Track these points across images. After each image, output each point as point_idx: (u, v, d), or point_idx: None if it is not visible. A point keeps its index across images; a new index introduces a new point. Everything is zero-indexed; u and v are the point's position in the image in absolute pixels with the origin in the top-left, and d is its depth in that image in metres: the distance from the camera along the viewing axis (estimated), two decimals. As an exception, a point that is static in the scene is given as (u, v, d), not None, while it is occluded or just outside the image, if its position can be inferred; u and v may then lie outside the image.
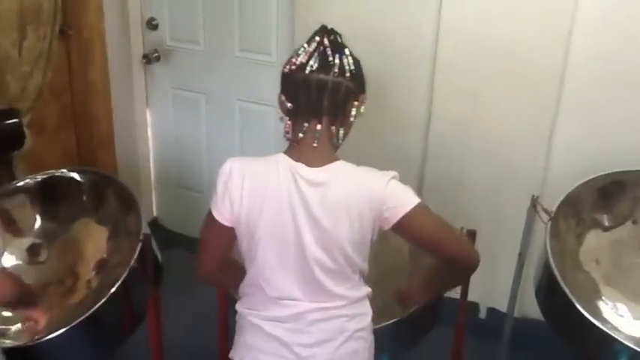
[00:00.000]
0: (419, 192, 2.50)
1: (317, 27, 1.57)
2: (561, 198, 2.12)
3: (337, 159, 1.60)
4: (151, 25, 3.04)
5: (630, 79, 2.35)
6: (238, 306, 1.71)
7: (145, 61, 3.07)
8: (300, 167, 1.56)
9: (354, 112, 1.58)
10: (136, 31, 3.06)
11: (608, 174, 2.21)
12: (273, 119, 2.77)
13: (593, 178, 2.19)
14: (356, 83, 1.56)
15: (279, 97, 1.59)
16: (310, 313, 1.61)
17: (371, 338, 1.69)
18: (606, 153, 2.41)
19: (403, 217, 1.55)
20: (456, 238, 1.72)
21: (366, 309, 1.69)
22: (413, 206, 1.56)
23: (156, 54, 3.07)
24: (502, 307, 2.55)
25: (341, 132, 1.58)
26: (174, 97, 3.17)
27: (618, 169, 2.22)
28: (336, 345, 1.61)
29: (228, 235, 1.62)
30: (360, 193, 1.55)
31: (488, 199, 2.64)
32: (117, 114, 3.00)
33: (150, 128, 3.28)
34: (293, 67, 1.54)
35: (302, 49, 1.55)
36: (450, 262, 1.67)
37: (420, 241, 1.67)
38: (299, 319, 1.61)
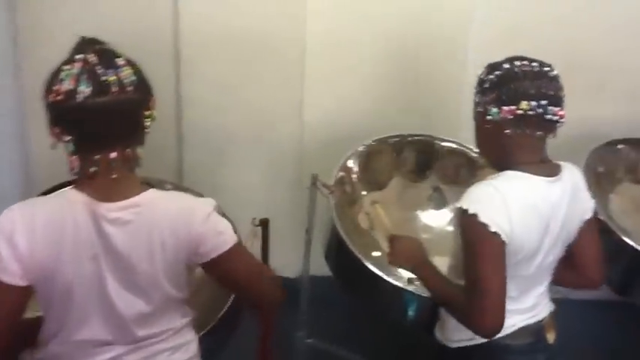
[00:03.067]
0: (180, 183, 2.63)
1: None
2: (336, 173, 2.30)
3: (145, 188, 1.43)
4: None
5: (362, 52, 2.59)
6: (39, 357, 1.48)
7: None
8: (101, 207, 1.36)
9: (147, 122, 1.40)
10: None
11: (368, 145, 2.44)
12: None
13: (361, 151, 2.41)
14: (141, 92, 1.37)
15: (51, 129, 1.35)
16: (127, 355, 1.47)
17: None
18: (354, 122, 2.66)
19: (219, 256, 1.44)
20: (266, 279, 1.62)
21: (190, 336, 1.59)
22: (230, 246, 1.46)
23: None
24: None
25: (139, 151, 1.40)
26: None
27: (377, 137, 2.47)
28: None
29: (22, 295, 1.39)
30: (175, 227, 1.40)
31: (259, 181, 2.76)
32: None
33: None
34: (59, 96, 1.30)
35: (63, 72, 1.31)
36: (257, 304, 1.65)
37: (232, 283, 1.58)
38: None
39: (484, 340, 1.66)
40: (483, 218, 1.54)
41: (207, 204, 1.46)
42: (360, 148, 2.41)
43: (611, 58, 2.72)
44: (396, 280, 2.08)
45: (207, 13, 2.47)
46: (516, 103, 1.58)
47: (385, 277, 2.04)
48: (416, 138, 2.53)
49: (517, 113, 1.58)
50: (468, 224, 1.57)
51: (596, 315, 2.80)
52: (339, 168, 2.34)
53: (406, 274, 2.30)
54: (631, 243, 2.21)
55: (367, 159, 2.45)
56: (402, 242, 1.90)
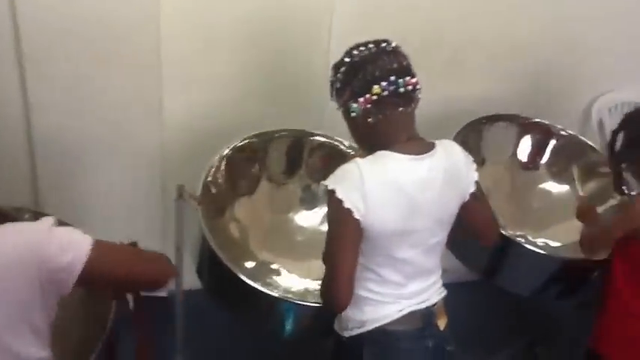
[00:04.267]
0: (35, 198, 2.40)
1: None
2: (202, 181, 2.16)
3: None
4: None
5: (222, 42, 2.43)
6: None
7: None
8: None
9: None
10: None
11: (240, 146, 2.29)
12: None
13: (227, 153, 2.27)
14: None
15: None
16: None
17: None
18: (219, 120, 2.51)
19: (84, 268, 1.28)
20: (148, 260, 1.51)
21: None
22: (89, 249, 1.29)
23: None
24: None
25: None
26: None
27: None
28: None
29: None
30: (16, 259, 1.24)
31: (119, 192, 2.58)
32: None
33: None
34: None
35: None
36: (153, 286, 1.52)
37: (115, 283, 1.47)
38: None
39: (372, 327, 1.70)
40: (340, 194, 1.57)
41: (43, 224, 1.30)
42: (225, 151, 2.28)
43: (469, 35, 2.73)
44: (272, 291, 2.02)
45: (46, 2, 2.20)
46: (368, 90, 1.60)
47: (261, 288, 1.97)
48: (284, 134, 2.43)
49: (373, 99, 1.60)
50: (328, 200, 1.62)
51: (463, 296, 2.85)
52: (205, 175, 2.20)
53: (283, 282, 2.26)
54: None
55: (234, 162, 2.31)
56: None
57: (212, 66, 2.48)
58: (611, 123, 2.83)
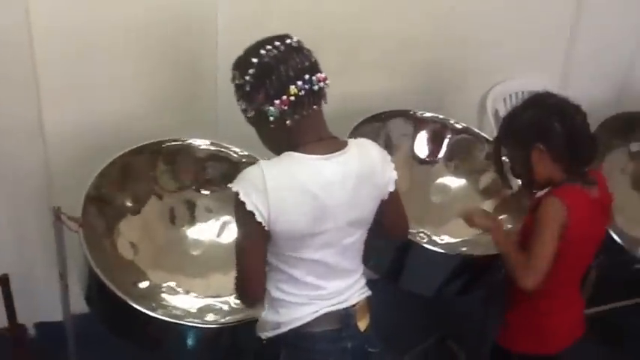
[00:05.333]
0: None
1: None
2: (83, 199, 2.00)
3: None
4: None
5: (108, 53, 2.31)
6: None
7: None
8: None
9: None
10: None
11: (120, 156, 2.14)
12: None
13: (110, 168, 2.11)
14: None
15: None
16: None
17: None
18: (105, 131, 2.37)
19: None
20: None
21: None
22: None
23: None
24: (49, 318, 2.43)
25: None
26: None
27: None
28: None
29: None
30: None
31: (7, 222, 2.42)
32: None
33: None
34: None
35: None
36: None
37: None
38: None
39: (288, 329, 1.67)
40: (242, 197, 1.55)
41: None
42: (105, 165, 2.10)
43: (363, 32, 2.69)
44: (165, 315, 1.91)
45: None
46: (285, 92, 1.55)
47: (156, 315, 1.86)
48: (172, 144, 2.27)
49: (291, 100, 1.55)
50: (234, 203, 1.58)
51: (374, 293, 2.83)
52: (87, 193, 2.02)
53: (181, 302, 2.13)
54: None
55: (119, 177, 2.16)
56: None
57: (91, 77, 2.33)
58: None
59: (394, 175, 1.74)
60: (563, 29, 3.16)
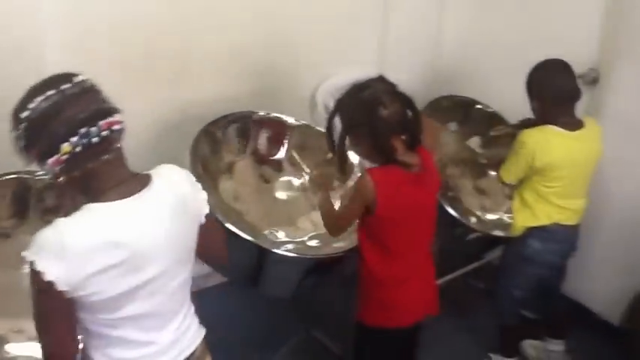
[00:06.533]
0: None
1: None
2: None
3: None
4: None
5: None
6: None
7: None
8: None
9: None
10: None
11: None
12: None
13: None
14: None
15: None
16: None
17: None
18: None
19: None
20: None
21: None
22: None
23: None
24: None
25: None
26: None
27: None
28: None
29: None
30: None
31: None
32: None
33: None
34: None
35: None
36: None
37: None
38: None
39: None
40: (39, 266, 1.35)
41: None
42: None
43: (193, 43, 2.73)
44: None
45: None
46: (57, 151, 1.38)
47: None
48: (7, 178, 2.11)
49: (64, 159, 1.39)
50: (30, 273, 1.38)
51: (234, 295, 2.86)
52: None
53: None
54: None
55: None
56: None
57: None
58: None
59: (204, 195, 1.63)
60: (375, 23, 3.35)
